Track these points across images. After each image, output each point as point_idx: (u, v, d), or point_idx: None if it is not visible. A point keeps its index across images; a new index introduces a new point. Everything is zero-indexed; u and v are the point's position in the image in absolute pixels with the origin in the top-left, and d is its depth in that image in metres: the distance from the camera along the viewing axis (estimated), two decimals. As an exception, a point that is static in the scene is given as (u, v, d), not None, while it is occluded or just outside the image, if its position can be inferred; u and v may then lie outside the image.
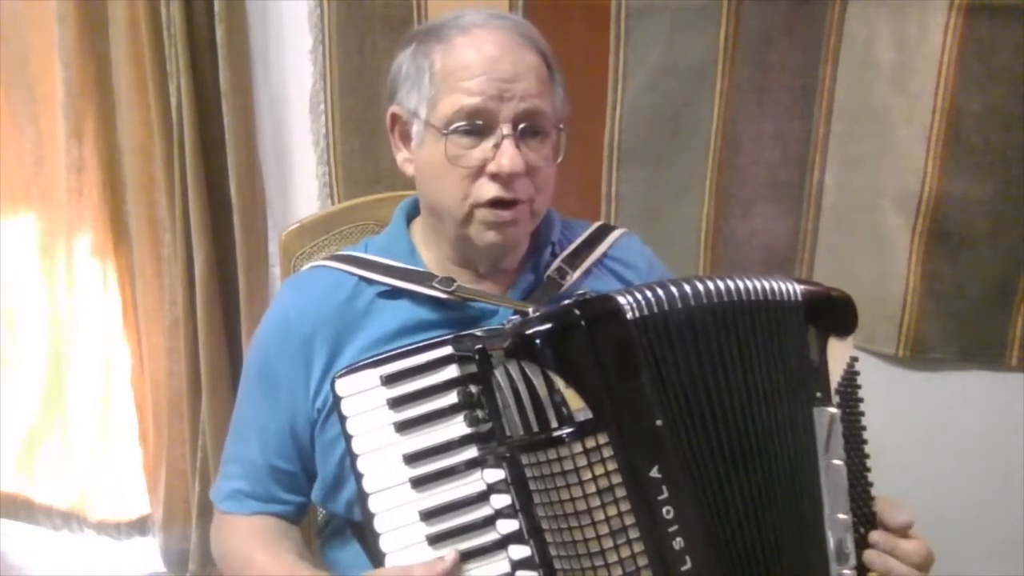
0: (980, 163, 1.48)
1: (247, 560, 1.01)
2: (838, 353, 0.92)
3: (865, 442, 0.93)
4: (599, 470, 0.79)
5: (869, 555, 0.90)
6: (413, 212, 1.10)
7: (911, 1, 1.46)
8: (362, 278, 1.02)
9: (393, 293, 1.01)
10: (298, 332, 1.01)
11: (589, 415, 0.79)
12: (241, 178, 1.60)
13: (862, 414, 0.93)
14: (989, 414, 1.61)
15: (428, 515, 0.87)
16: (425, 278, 1.00)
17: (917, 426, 1.63)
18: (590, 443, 0.79)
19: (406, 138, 1.02)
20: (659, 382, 0.84)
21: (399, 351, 0.91)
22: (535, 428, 0.81)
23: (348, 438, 0.89)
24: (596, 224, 1.14)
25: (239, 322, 1.66)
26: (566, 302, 0.86)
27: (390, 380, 0.90)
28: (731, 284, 0.89)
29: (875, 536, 0.91)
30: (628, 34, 1.53)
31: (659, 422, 0.83)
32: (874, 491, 0.94)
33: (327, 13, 1.58)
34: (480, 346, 0.86)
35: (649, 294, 0.85)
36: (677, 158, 1.57)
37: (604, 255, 1.10)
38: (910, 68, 1.48)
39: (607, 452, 0.79)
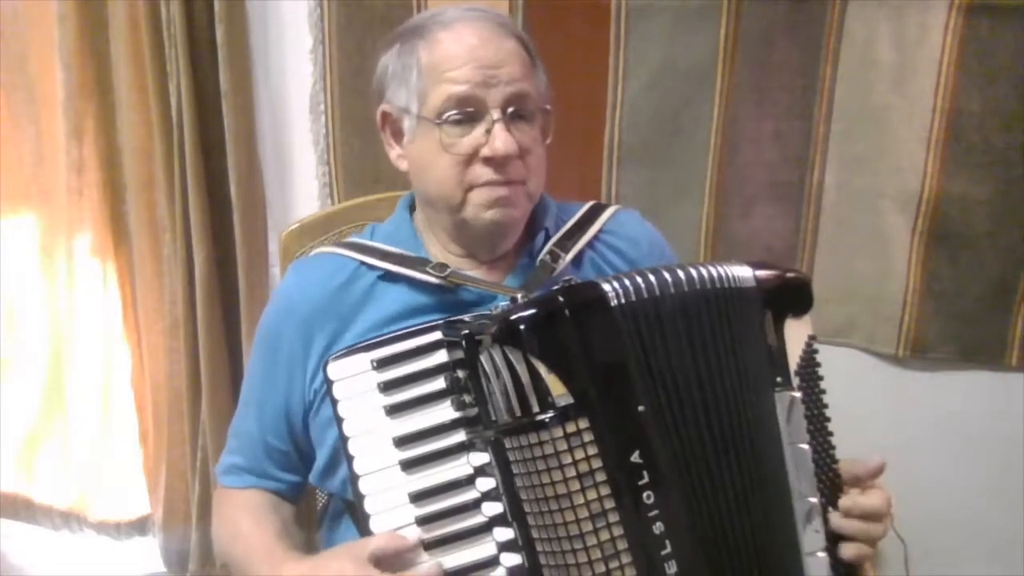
0: (980, 163, 1.48)
1: (235, 530, 1.04)
2: (796, 333, 0.93)
3: (828, 420, 0.93)
4: (579, 455, 0.79)
5: (834, 519, 0.91)
6: (414, 205, 1.12)
7: (911, 1, 1.45)
8: (362, 263, 1.04)
9: (393, 277, 1.03)
10: (299, 312, 1.04)
11: (570, 400, 0.80)
12: (241, 178, 1.60)
13: (823, 392, 0.94)
14: (989, 414, 1.61)
15: (417, 497, 0.89)
16: (419, 263, 1.02)
17: (917, 426, 1.63)
18: (571, 428, 0.80)
19: (398, 135, 1.04)
20: (646, 368, 0.84)
21: (390, 336, 0.93)
22: (518, 413, 0.82)
23: (339, 421, 0.91)
24: (588, 204, 1.15)
25: (239, 322, 1.66)
26: (553, 288, 0.87)
27: (381, 364, 0.92)
28: (694, 272, 0.89)
29: (842, 502, 0.91)
30: (628, 34, 1.52)
31: (641, 408, 0.83)
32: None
33: (327, 13, 1.58)
34: (467, 331, 0.87)
35: (639, 280, 0.86)
36: (677, 158, 1.57)
37: (598, 234, 1.11)
38: (910, 68, 1.48)
39: (588, 437, 0.80)
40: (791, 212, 1.60)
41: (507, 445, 0.83)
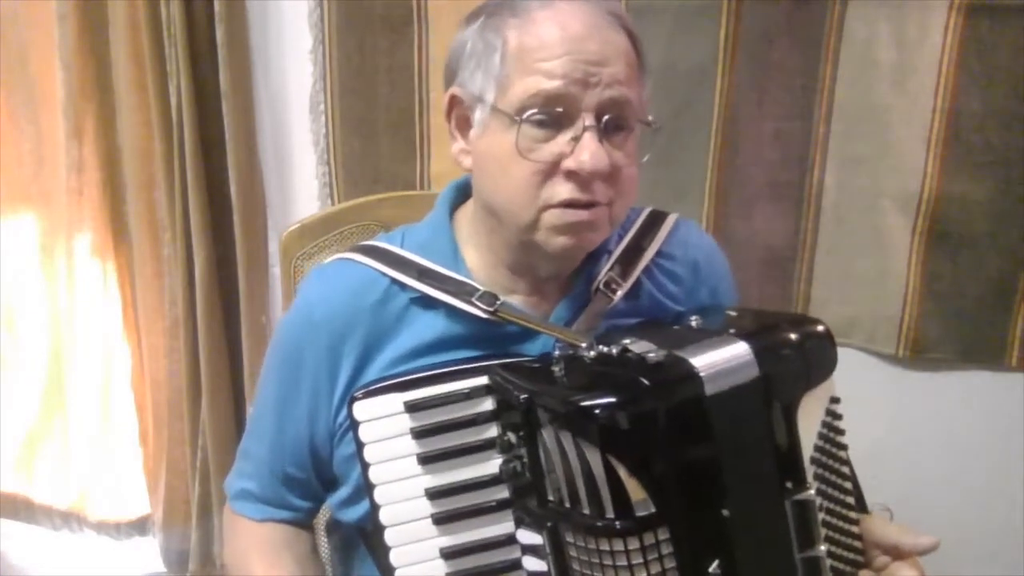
0: (980, 163, 1.48)
1: (246, 572, 0.97)
2: (813, 409, 0.80)
3: (850, 492, 0.84)
4: (655, 568, 0.71)
5: None
6: (458, 200, 0.97)
7: (911, 1, 1.45)
8: (395, 280, 0.91)
9: (429, 299, 0.90)
10: (325, 328, 0.91)
11: (652, 509, 0.70)
12: (241, 178, 1.60)
13: (847, 463, 0.83)
14: (989, 414, 1.60)
15: (450, 555, 0.82)
16: (464, 290, 0.88)
17: (917, 426, 1.63)
18: (649, 540, 0.70)
19: (465, 125, 0.88)
20: (732, 465, 0.75)
21: (426, 375, 0.83)
22: (586, 511, 0.72)
23: (365, 466, 0.83)
24: (646, 212, 1.01)
25: (239, 322, 1.66)
26: (636, 372, 0.73)
27: (415, 408, 0.82)
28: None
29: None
30: (628, 34, 1.52)
31: (726, 512, 0.74)
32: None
33: (327, 13, 1.58)
34: (527, 396, 0.75)
35: (728, 353, 0.74)
36: (677, 158, 1.57)
37: (656, 256, 0.97)
38: (910, 68, 1.48)
39: (666, 549, 0.71)
40: (791, 212, 1.60)
41: (568, 538, 0.74)
